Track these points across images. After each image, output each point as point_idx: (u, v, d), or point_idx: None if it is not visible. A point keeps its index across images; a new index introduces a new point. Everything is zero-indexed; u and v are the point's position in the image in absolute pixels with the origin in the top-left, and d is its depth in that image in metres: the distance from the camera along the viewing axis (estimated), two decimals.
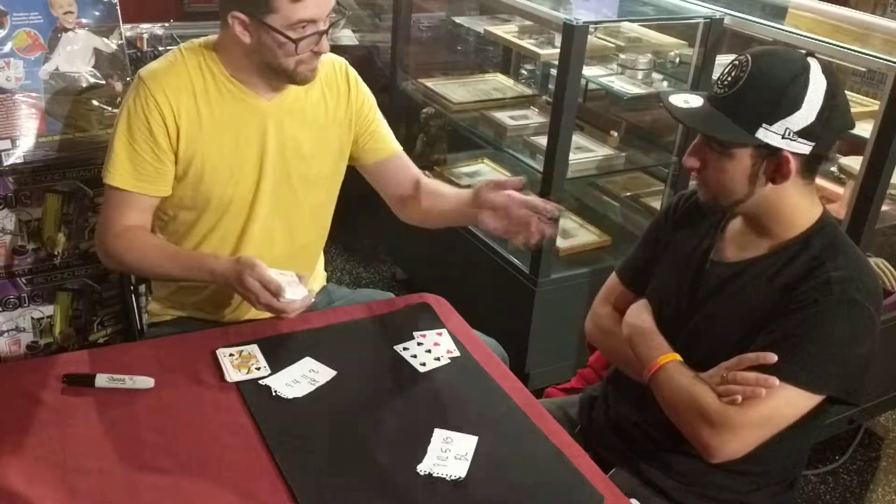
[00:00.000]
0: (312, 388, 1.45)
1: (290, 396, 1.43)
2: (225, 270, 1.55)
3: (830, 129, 1.32)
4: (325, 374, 1.49)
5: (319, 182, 1.79)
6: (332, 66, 1.77)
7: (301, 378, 1.47)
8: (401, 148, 1.88)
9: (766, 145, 1.31)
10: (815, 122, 1.30)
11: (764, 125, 1.30)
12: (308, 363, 1.52)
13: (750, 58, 1.32)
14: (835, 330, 1.32)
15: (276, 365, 1.51)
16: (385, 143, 1.84)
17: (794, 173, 1.34)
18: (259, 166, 1.69)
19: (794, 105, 1.29)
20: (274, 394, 1.43)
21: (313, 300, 1.61)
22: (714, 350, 1.42)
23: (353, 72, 1.81)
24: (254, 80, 1.63)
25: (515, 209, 1.50)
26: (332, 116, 1.75)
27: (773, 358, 1.32)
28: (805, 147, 1.32)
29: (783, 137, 1.30)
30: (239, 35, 1.55)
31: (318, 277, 1.97)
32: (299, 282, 1.56)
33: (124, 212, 1.64)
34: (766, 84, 1.30)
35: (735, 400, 1.32)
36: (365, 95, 1.81)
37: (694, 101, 1.39)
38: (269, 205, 1.73)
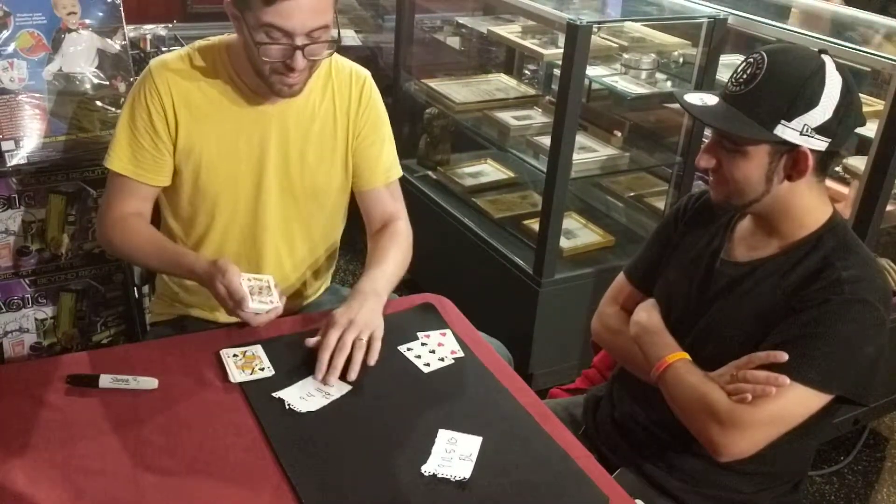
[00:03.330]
0: (326, 402, 1.42)
1: (304, 410, 1.40)
2: (202, 271, 1.56)
3: (846, 126, 1.33)
4: (339, 388, 1.46)
5: (328, 192, 1.77)
6: (350, 76, 1.74)
7: (315, 392, 1.45)
8: (389, 181, 1.80)
9: (784, 142, 1.31)
10: (833, 119, 1.30)
11: (783, 121, 1.30)
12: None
13: (765, 55, 1.32)
14: (845, 329, 1.31)
15: (280, 366, 1.50)
16: (370, 171, 1.78)
17: (810, 170, 1.34)
18: (258, 170, 1.68)
19: (812, 101, 1.29)
20: (288, 407, 1.40)
21: (281, 311, 1.56)
22: (723, 349, 1.42)
23: (370, 86, 1.76)
24: (258, 82, 1.61)
25: None
26: (340, 126, 1.73)
27: (783, 357, 1.31)
28: (822, 143, 1.32)
29: (801, 134, 1.31)
30: (234, 26, 1.55)
31: (325, 280, 1.97)
32: (273, 288, 1.54)
33: (122, 198, 1.66)
34: (784, 80, 1.30)
35: (745, 398, 1.32)
36: (373, 113, 1.76)
37: (709, 99, 1.39)
38: (277, 211, 1.72)
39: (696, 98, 1.40)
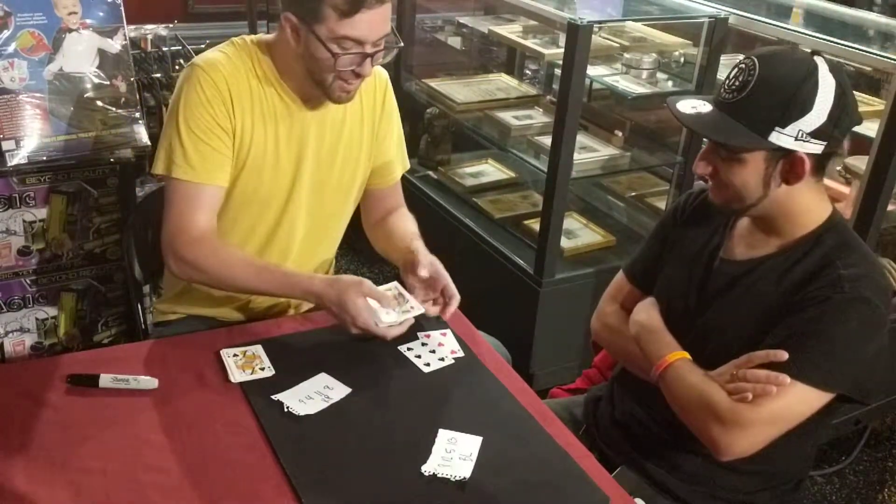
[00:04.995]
0: (325, 405, 1.42)
1: (303, 413, 1.40)
2: (321, 290, 1.52)
3: (841, 128, 1.32)
4: (339, 390, 1.46)
5: (350, 193, 1.80)
6: (374, 78, 1.73)
7: (315, 395, 1.45)
8: (398, 179, 1.86)
9: (780, 148, 1.31)
10: (827, 122, 1.30)
11: (777, 128, 1.30)
12: (323, 379, 1.48)
13: (757, 61, 1.31)
14: (845, 327, 1.31)
15: (281, 366, 1.50)
16: (383, 171, 1.82)
17: (807, 173, 1.33)
18: (294, 171, 1.68)
19: (806, 107, 1.29)
20: (286, 410, 1.40)
21: (413, 320, 1.56)
22: (723, 348, 1.41)
23: (390, 88, 1.80)
24: (301, 86, 1.61)
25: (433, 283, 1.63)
26: (366, 128, 1.75)
27: (783, 355, 1.31)
28: (818, 147, 1.32)
29: (796, 139, 1.30)
30: (290, 38, 1.54)
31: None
32: (406, 295, 1.57)
33: (195, 210, 1.58)
34: (777, 87, 1.29)
35: (745, 397, 1.31)
36: (390, 114, 1.80)
37: (702, 107, 1.38)
38: (302, 210, 1.72)
39: (688, 106, 1.39)
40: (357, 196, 1.83)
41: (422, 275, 1.58)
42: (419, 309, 1.55)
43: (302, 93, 1.63)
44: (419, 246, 1.66)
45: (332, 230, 1.84)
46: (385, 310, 1.52)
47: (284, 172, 1.67)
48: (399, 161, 1.85)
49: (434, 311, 1.60)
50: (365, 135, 1.75)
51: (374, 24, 1.48)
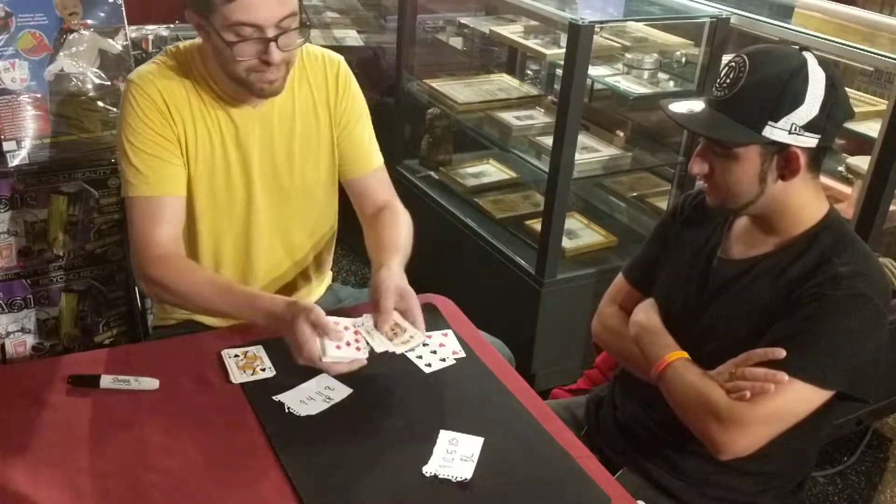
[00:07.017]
0: (326, 405, 1.42)
1: (304, 414, 1.40)
2: (280, 312, 1.42)
3: (834, 121, 1.33)
4: (340, 391, 1.46)
5: (316, 187, 1.76)
6: (324, 62, 1.71)
7: (316, 395, 1.44)
8: (377, 166, 1.78)
9: (774, 142, 1.31)
10: (820, 115, 1.30)
11: (770, 122, 1.30)
12: (324, 380, 1.47)
13: (746, 58, 1.32)
14: (843, 324, 1.31)
15: (281, 366, 1.50)
16: (358, 157, 1.76)
17: (803, 168, 1.33)
18: (247, 174, 1.66)
19: (798, 100, 1.29)
20: (288, 411, 1.40)
21: (365, 362, 1.42)
22: (722, 348, 1.41)
23: (345, 71, 1.73)
24: (235, 88, 1.57)
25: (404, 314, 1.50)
26: (322, 117, 1.71)
27: (781, 353, 1.31)
28: (812, 140, 1.32)
29: (790, 133, 1.30)
30: (201, 36, 1.51)
31: (325, 278, 1.96)
32: (355, 335, 1.41)
33: (156, 225, 1.57)
34: (767, 82, 1.30)
35: (744, 396, 1.31)
36: (351, 98, 1.73)
37: (695, 106, 1.40)
38: (270, 212, 1.71)
39: (682, 106, 1.41)
40: (330, 191, 1.78)
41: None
42: (420, 337, 1.46)
43: (235, 92, 1.59)
44: (386, 277, 1.49)
45: (311, 227, 1.79)
46: (334, 343, 1.38)
47: (236, 176, 1.65)
48: (374, 147, 1.79)
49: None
50: (321, 124, 1.70)
51: (265, 4, 1.43)
